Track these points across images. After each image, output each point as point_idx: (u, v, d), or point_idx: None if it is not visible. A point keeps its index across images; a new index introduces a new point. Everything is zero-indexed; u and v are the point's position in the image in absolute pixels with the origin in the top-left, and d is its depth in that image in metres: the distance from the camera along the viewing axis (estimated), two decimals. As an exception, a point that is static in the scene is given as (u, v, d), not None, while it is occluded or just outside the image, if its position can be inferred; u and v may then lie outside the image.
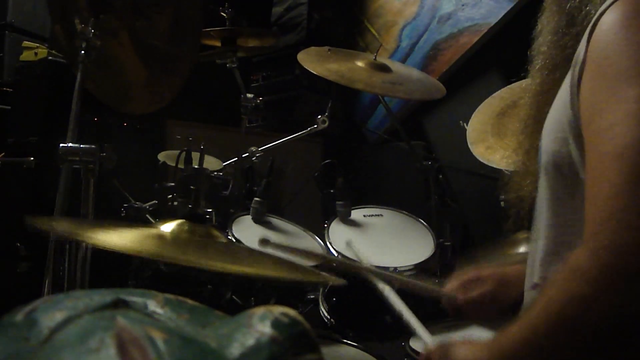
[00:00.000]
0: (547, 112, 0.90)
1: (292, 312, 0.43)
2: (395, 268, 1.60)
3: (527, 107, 1.02)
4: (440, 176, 2.05)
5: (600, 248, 0.65)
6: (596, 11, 0.78)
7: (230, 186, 1.99)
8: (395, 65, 2.09)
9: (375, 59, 1.99)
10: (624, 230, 0.64)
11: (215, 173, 1.95)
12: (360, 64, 1.98)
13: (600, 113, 0.72)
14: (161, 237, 0.84)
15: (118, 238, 0.76)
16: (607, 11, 0.76)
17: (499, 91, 1.96)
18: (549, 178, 0.89)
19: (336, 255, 1.61)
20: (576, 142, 0.80)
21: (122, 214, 1.84)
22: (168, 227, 0.95)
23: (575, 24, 0.85)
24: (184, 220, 0.97)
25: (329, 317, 1.56)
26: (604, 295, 0.64)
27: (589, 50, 0.77)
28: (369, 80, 1.89)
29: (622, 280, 0.63)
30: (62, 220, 1.04)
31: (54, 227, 0.82)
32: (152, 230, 0.89)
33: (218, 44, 2.21)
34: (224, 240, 0.99)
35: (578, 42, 0.82)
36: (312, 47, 2.05)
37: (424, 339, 1.00)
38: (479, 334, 1.40)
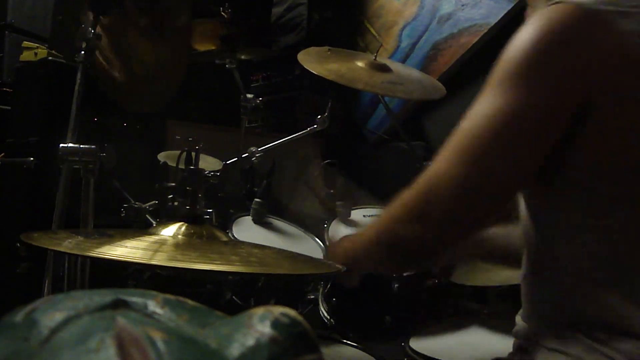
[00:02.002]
0: None
1: (292, 312, 0.43)
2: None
3: None
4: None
5: (407, 199, 0.90)
6: None
7: (229, 187, 1.99)
8: (395, 66, 2.09)
9: (375, 59, 1.99)
10: (419, 185, 0.88)
11: (213, 173, 1.95)
12: (360, 64, 1.98)
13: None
14: (163, 243, 0.84)
15: (120, 250, 0.76)
16: (525, 25, 0.85)
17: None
18: None
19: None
20: None
21: (122, 214, 1.84)
22: (167, 231, 0.95)
23: None
24: (181, 222, 0.98)
25: (329, 317, 1.56)
26: (400, 226, 0.90)
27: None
28: (369, 80, 1.89)
29: (415, 218, 0.88)
30: (62, 232, 1.04)
31: (53, 243, 0.83)
32: (154, 237, 0.89)
33: (217, 44, 2.21)
34: (225, 239, 0.99)
35: None
36: (312, 48, 2.05)
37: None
38: (479, 334, 1.40)
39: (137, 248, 0.77)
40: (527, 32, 0.84)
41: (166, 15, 1.52)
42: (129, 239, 0.83)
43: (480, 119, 0.84)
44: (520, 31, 0.85)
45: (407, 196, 0.90)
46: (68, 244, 0.79)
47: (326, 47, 2.06)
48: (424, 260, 1.04)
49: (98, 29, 1.31)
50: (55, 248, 0.77)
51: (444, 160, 0.86)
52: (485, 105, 0.85)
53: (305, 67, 1.86)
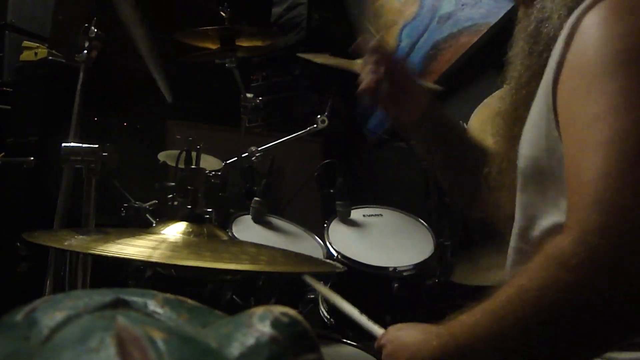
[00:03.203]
0: (521, 124, 0.90)
1: (292, 311, 0.43)
2: (395, 268, 1.60)
3: (503, 117, 1.02)
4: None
5: (587, 232, 0.62)
6: (564, 15, 0.80)
7: (229, 186, 1.99)
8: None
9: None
10: (612, 212, 0.62)
11: (214, 173, 1.95)
12: (360, 62, 1.99)
13: (582, 108, 0.72)
14: (164, 242, 0.84)
15: (122, 248, 0.76)
16: (589, 13, 0.77)
17: (498, 91, 1.95)
18: (525, 182, 0.90)
19: (336, 255, 1.61)
20: (556, 145, 0.80)
21: (122, 214, 1.84)
22: (169, 230, 0.95)
23: (543, 32, 0.86)
24: (182, 221, 0.98)
25: (329, 317, 1.56)
26: (589, 280, 0.61)
27: (569, 52, 0.78)
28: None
29: (611, 264, 0.60)
30: (63, 231, 1.04)
31: (56, 242, 0.83)
32: (154, 236, 0.89)
33: (217, 44, 2.21)
34: (225, 238, 0.99)
35: (550, 48, 0.83)
36: (312, 54, 2.07)
37: (375, 333, 0.97)
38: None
39: (138, 246, 0.77)
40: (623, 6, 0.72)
41: None
42: (129, 237, 0.83)
43: (619, 118, 0.67)
44: (600, 14, 0.74)
45: (571, 244, 0.63)
46: (71, 242, 0.79)
47: (327, 54, 2.07)
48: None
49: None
50: (60, 246, 0.77)
51: (607, 178, 0.64)
52: (608, 98, 0.69)
53: (305, 57, 1.86)
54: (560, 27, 0.81)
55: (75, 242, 0.79)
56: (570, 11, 0.80)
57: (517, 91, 0.95)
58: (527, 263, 0.68)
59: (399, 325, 0.85)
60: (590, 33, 0.75)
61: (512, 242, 0.94)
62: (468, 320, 0.71)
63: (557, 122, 0.79)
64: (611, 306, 0.61)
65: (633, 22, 0.72)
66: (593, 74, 0.72)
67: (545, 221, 0.85)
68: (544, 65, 0.84)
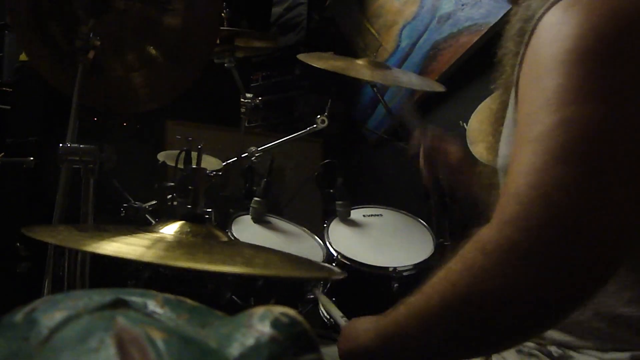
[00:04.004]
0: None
1: (292, 312, 0.43)
2: (395, 268, 1.60)
3: (492, 118, 1.05)
4: (440, 176, 2.05)
5: (504, 221, 0.64)
6: (542, 14, 0.80)
7: (229, 186, 1.99)
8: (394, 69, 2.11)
9: (375, 58, 2.01)
10: (528, 205, 0.63)
11: (214, 173, 1.95)
12: (360, 62, 2.00)
13: (524, 102, 0.74)
14: (163, 241, 0.84)
15: (120, 246, 0.76)
16: (548, 12, 0.77)
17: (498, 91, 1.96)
18: (504, 180, 0.91)
19: (336, 255, 1.61)
20: None
21: (122, 214, 1.84)
22: (168, 230, 0.95)
23: (527, 31, 0.86)
24: (182, 221, 0.98)
25: (329, 317, 1.55)
26: (499, 267, 0.63)
27: (528, 46, 0.79)
28: (369, 73, 1.93)
29: (521, 254, 0.62)
30: (62, 227, 1.04)
31: (54, 238, 0.82)
32: (154, 235, 0.89)
33: (215, 43, 2.21)
34: (225, 239, 0.99)
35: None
36: (314, 53, 2.08)
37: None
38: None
39: (137, 245, 0.77)
40: (582, 4, 0.73)
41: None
42: (128, 236, 0.83)
43: (549, 114, 0.68)
44: (557, 12, 0.75)
45: (490, 231, 0.66)
46: (65, 236, 0.79)
47: (330, 53, 2.08)
48: (561, 309, 0.65)
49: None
50: (56, 242, 0.77)
51: (531, 172, 0.66)
52: (544, 95, 0.70)
53: (305, 61, 1.87)
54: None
55: (69, 238, 0.79)
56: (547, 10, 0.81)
57: (504, 92, 0.96)
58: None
59: (358, 319, 0.88)
60: (545, 31, 0.76)
61: None
62: (407, 301, 0.75)
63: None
64: (519, 294, 0.63)
65: (579, 24, 0.72)
66: (537, 71, 0.73)
67: None
68: None
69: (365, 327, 0.82)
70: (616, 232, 0.62)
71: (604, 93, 0.67)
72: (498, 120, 1.00)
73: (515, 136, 0.74)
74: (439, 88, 2.07)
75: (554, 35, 0.74)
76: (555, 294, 0.62)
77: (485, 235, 0.66)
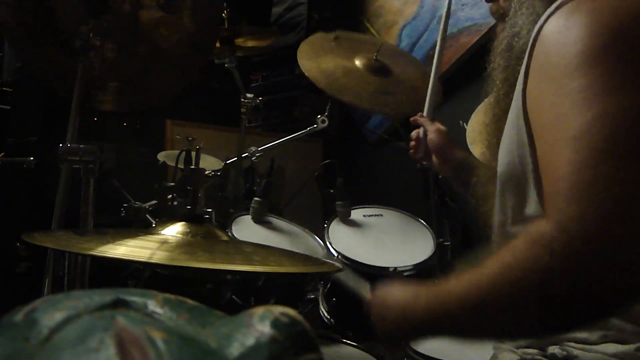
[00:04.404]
0: (502, 134, 0.95)
1: (292, 311, 0.43)
2: (395, 268, 1.60)
3: (487, 129, 1.07)
4: (440, 176, 2.04)
5: (568, 220, 0.65)
6: (531, 29, 0.83)
7: (229, 186, 1.99)
8: (396, 65, 2.09)
9: (375, 59, 2.00)
10: (589, 204, 0.64)
11: (214, 173, 1.95)
12: (358, 63, 1.98)
13: (548, 108, 0.75)
14: (164, 242, 0.84)
15: (120, 249, 0.76)
16: (548, 21, 0.80)
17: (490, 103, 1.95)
18: (502, 187, 0.94)
19: (336, 255, 1.61)
20: (530, 152, 0.83)
21: (122, 214, 1.84)
22: (169, 230, 0.95)
23: (515, 46, 0.90)
24: (182, 222, 0.98)
25: (329, 317, 1.56)
26: (570, 268, 0.64)
27: (533, 56, 0.81)
28: (358, 90, 1.88)
29: (591, 253, 0.63)
30: (61, 232, 1.04)
31: (54, 242, 0.83)
32: (154, 237, 0.89)
33: (216, 43, 2.21)
34: (225, 238, 0.99)
35: (521, 61, 0.86)
36: (319, 34, 2.04)
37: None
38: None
39: (137, 247, 0.77)
40: (588, 9, 0.76)
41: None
42: (129, 238, 0.83)
43: (582, 114, 0.70)
44: (563, 16, 0.78)
45: (552, 230, 0.66)
46: (69, 243, 0.79)
47: (333, 35, 2.03)
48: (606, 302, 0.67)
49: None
50: (59, 248, 0.77)
51: (583, 169, 0.67)
52: (571, 97, 0.72)
53: (301, 64, 1.86)
54: (529, 40, 0.85)
55: (71, 243, 0.79)
56: (535, 24, 0.83)
57: (497, 104, 1.00)
58: (511, 242, 0.71)
59: (387, 287, 0.89)
60: (551, 39, 0.78)
61: (494, 236, 1.00)
62: (456, 288, 0.75)
63: (526, 128, 0.83)
64: (593, 289, 0.64)
65: (588, 25, 0.75)
66: (556, 77, 0.75)
67: (520, 216, 0.90)
68: (518, 77, 0.88)
69: (410, 295, 0.82)
70: None
71: (631, 83, 0.69)
72: (494, 132, 1.02)
73: (541, 142, 0.76)
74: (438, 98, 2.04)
75: (563, 40, 0.76)
76: (630, 284, 0.64)
77: (549, 234, 0.65)
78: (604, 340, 0.84)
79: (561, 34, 0.77)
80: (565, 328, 0.73)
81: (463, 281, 0.74)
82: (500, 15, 1.01)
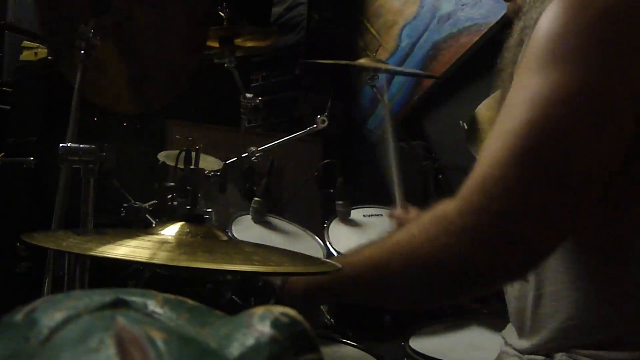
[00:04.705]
0: None
1: (292, 311, 0.43)
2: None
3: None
4: (440, 176, 2.05)
5: (467, 208, 0.71)
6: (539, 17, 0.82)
7: (229, 186, 1.99)
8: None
9: (375, 57, 2.01)
10: (491, 198, 0.70)
11: (214, 173, 1.95)
12: (361, 60, 2.01)
13: (510, 95, 0.77)
14: (164, 242, 0.84)
15: (120, 249, 0.76)
16: (544, 13, 0.79)
17: (499, 91, 1.95)
18: None
19: (336, 255, 1.61)
20: None
21: (122, 214, 1.84)
22: (169, 231, 0.95)
23: (525, 40, 0.89)
24: (182, 222, 0.97)
25: (328, 317, 1.56)
26: (460, 251, 0.71)
27: (523, 50, 0.82)
28: (371, 64, 1.93)
29: (479, 244, 0.70)
30: (62, 232, 1.04)
31: (55, 242, 0.83)
32: (154, 237, 0.89)
33: (216, 43, 2.21)
34: (225, 238, 0.99)
35: None
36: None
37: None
38: (479, 334, 1.40)
39: (137, 247, 0.77)
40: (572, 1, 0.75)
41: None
42: (129, 238, 0.83)
43: (525, 112, 0.72)
44: (553, 6, 0.76)
45: (453, 213, 0.72)
46: (69, 243, 0.79)
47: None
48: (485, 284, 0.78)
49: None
50: (59, 248, 0.77)
51: (497, 165, 0.71)
52: (524, 92, 0.74)
53: (309, 60, 1.87)
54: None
55: (71, 243, 0.79)
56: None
57: (503, 98, 0.98)
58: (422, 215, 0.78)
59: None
60: (536, 32, 0.79)
61: None
62: (363, 254, 0.84)
63: None
64: (473, 271, 0.73)
65: (571, 23, 0.74)
66: (523, 69, 0.77)
67: None
68: None
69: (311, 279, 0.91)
70: (562, 230, 0.72)
71: (571, 101, 0.71)
72: None
73: (495, 124, 0.78)
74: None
75: (544, 35, 0.76)
76: (505, 273, 0.75)
77: (450, 216, 0.72)
78: (613, 346, 0.82)
79: (543, 29, 0.77)
80: (448, 298, 0.84)
81: (374, 252, 0.82)
82: (517, 14, 0.99)
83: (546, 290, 0.86)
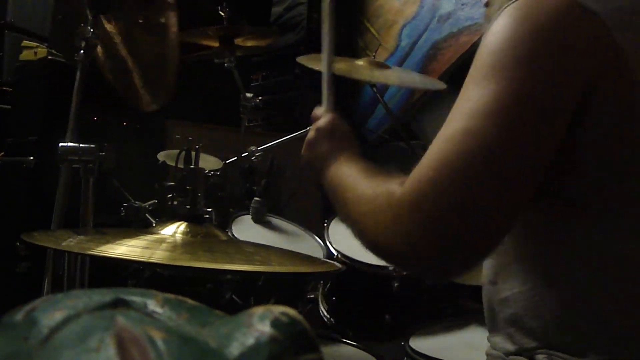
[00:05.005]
0: None
1: (292, 311, 0.43)
2: (396, 267, 1.60)
3: None
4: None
5: (404, 200, 0.78)
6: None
7: (229, 186, 1.99)
8: (394, 68, 2.11)
9: (374, 58, 2.01)
10: (423, 198, 0.76)
11: (214, 173, 1.95)
12: (359, 62, 2.00)
13: (453, 106, 0.81)
14: (164, 242, 0.84)
15: (120, 249, 0.76)
16: (492, 23, 0.82)
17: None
18: None
19: (336, 254, 1.61)
20: None
21: (122, 214, 1.84)
22: (169, 230, 0.95)
23: None
24: (182, 221, 0.98)
25: (328, 316, 1.56)
26: (396, 229, 0.78)
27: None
28: (370, 73, 1.92)
29: (410, 236, 0.76)
30: (62, 231, 1.05)
31: (54, 242, 0.84)
32: (154, 237, 0.89)
33: (216, 43, 2.21)
34: (225, 238, 0.99)
35: None
36: (313, 54, 2.07)
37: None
38: (479, 333, 1.40)
39: (137, 247, 0.77)
40: (513, 16, 0.79)
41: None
42: (129, 237, 0.83)
43: (462, 121, 0.77)
44: (498, 20, 0.80)
45: (396, 198, 0.80)
46: (69, 243, 0.79)
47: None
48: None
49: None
50: (58, 247, 0.77)
51: (431, 168, 0.77)
52: (463, 103, 0.78)
53: (304, 64, 1.87)
54: None
55: (71, 243, 0.79)
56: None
57: None
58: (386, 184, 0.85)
59: (333, 120, 1.15)
60: (482, 44, 0.82)
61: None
62: (352, 169, 0.98)
63: None
64: (396, 257, 0.84)
65: (509, 38, 0.78)
66: (467, 79, 0.81)
67: None
68: None
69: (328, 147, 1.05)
70: (488, 234, 0.77)
71: (504, 114, 0.75)
72: None
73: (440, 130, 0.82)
74: (440, 85, 2.07)
75: (487, 45, 0.80)
76: (432, 270, 0.84)
77: (395, 200, 0.79)
78: (590, 351, 0.82)
79: (487, 38, 0.81)
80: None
81: (369, 173, 0.93)
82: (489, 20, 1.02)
83: (509, 292, 0.88)
